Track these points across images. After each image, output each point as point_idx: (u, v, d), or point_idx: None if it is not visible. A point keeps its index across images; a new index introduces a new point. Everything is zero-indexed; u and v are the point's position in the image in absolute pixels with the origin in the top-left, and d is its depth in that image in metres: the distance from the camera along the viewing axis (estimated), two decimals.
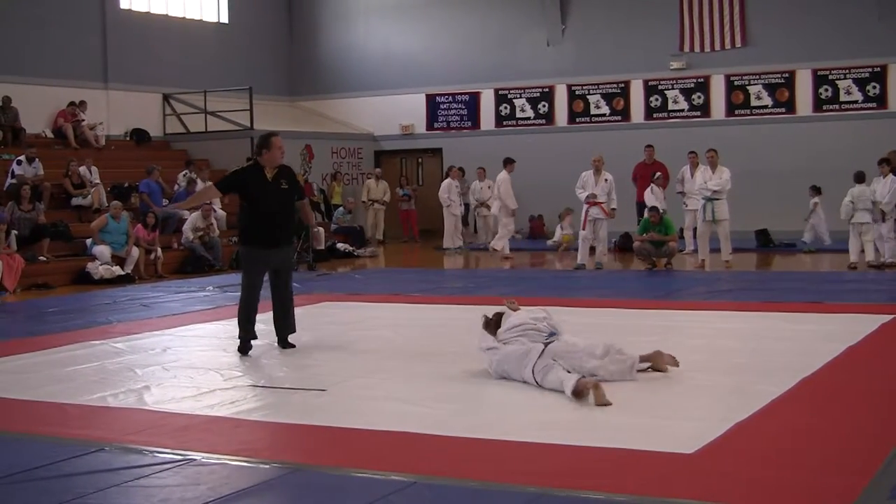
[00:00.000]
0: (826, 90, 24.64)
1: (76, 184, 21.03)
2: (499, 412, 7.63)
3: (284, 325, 10.42)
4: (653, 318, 12.04)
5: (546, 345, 8.16)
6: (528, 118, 27.71)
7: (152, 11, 26.75)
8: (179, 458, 6.43)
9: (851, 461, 5.97)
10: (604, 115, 26.88)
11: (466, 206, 25.65)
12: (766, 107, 25.24)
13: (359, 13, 29.69)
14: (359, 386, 8.50)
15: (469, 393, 8.14)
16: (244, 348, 10.13)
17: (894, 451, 6.09)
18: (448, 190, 24.51)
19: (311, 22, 30.32)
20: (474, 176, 25.53)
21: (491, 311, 8.82)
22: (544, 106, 27.49)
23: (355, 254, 23.27)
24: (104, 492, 5.79)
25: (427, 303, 14.26)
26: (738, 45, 25.27)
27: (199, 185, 21.49)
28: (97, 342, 11.17)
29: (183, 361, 9.85)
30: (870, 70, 24.23)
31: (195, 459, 6.41)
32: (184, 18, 27.57)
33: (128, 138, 25.63)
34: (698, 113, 25.88)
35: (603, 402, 7.40)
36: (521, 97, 27.76)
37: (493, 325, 8.63)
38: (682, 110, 26.05)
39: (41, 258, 18.26)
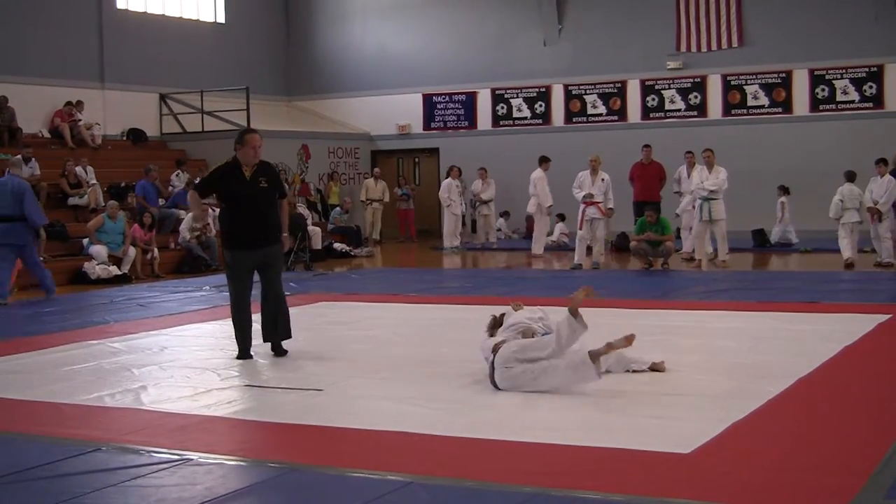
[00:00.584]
0: (823, 90, 24.67)
1: (73, 184, 21.02)
2: (495, 412, 7.62)
3: (275, 331, 9.99)
4: (649, 317, 12.04)
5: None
6: (525, 118, 27.73)
7: (149, 11, 26.74)
8: (176, 457, 6.42)
9: (848, 461, 5.97)
10: (600, 114, 26.90)
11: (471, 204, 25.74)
12: (762, 107, 25.27)
13: (355, 13, 29.70)
14: (355, 386, 8.50)
15: (465, 393, 8.13)
16: (245, 356, 9.83)
17: (891, 450, 6.10)
18: (448, 189, 24.52)
19: (308, 22, 30.32)
20: (472, 176, 25.54)
21: (498, 311, 8.81)
22: (541, 106, 27.51)
23: (352, 254, 23.27)
24: (101, 492, 5.79)
25: (424, 303, 14.26)
26: (735, 44, 25.30)
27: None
28: (94, 342, 11.17)
29: (180, 361, 9.85)
30: (866, 70, 24.27)
31: (192, 459, 6.40)
32: (180, 18, 27.57)
33: (124, 138, 25.62)
34: (695, 113, 25.91)
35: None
36: (517, 97, 27.78)
37: (496, 325, 8.61)
38: (679, 110, 26.07)
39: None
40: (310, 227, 21.75)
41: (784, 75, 25.01)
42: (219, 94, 26.20)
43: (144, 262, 19.31)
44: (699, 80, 25.80)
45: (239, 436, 7.15)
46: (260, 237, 9.78)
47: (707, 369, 8.70)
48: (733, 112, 25.56)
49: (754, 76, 25.23)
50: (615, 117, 26.71)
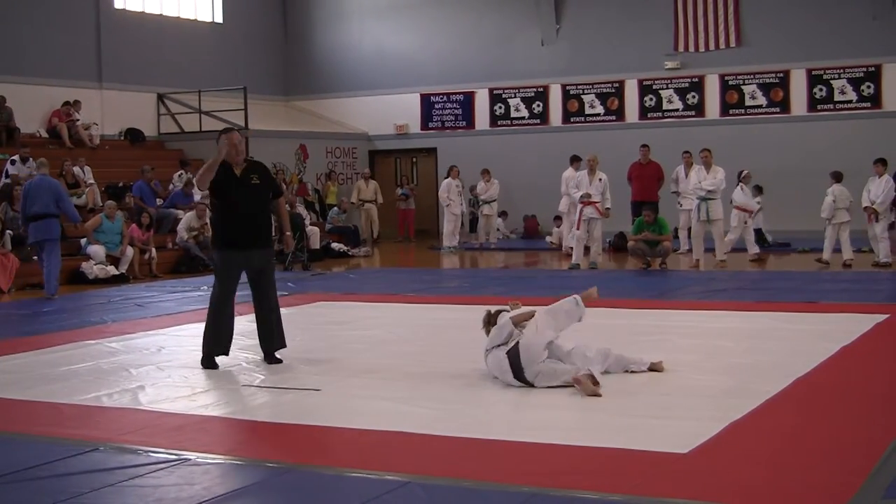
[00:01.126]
0: (820, 90, 24.68)
1: (70, 183, 20.98)
2: (493, 412, 7.63)
3: (271, 340, 9.69)
4: (647, 317, 12.05)
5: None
6: (523, 118, 27.73)
7: (147, 11, 26.73)
8: (174, 457, 6.42)
9: (846, 460, 5.98)
10: (598, 114, 26.91)
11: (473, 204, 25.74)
12: (760, 106, 25.28)
13: (353, 13, 29.70)
14: (353, 385, 8.50)
15: (463, 392, 8.14)
16: (210, 363, 9.43)
17: (889, 450, 6.10)
18: (448, 189, 24.53)
19: (306, 22, 30.32)
20: (470, 176, 25.53)
21: (494, 308, 8.80)
22: (539, 105, 27.51)
23: (350, 253, 23.26)
24: (99, 491, 5.79)
25: (421, 302, 14.26)
26: (733, 44, 25.31)
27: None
28: (92, 342, 11.16)
29: (177, 361, 9.85)
30: (864, 70, 24.28)
31: (190, 459, 6.40)
32: (178, 18, 27.56)
33: (122, 138, 25.61)
34: (693, 113, 25.92)
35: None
36: (515, 97, 27.78)
37: (490, 322, 8.59)
38: (677, 110, 26.08)
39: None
40: (308, 227, 21.76)
41: (782, 75, 25.02)
42: (216, 94, 26.19)
43: (142, 262, 19.30)
44: (697, 80, 25.82)
45: (236, 436, 7.15)
46: (250, 238, 9.48)
47: (705, 369, 8.70)
48: (731, 112, 25.57)
49: (752, 76, 25.24)
50: (613, 117, 26.72)
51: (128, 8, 26.18)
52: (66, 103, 23.72)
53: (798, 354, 9.25)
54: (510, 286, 16.06)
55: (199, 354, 9.71)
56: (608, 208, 18.84)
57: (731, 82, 25.53)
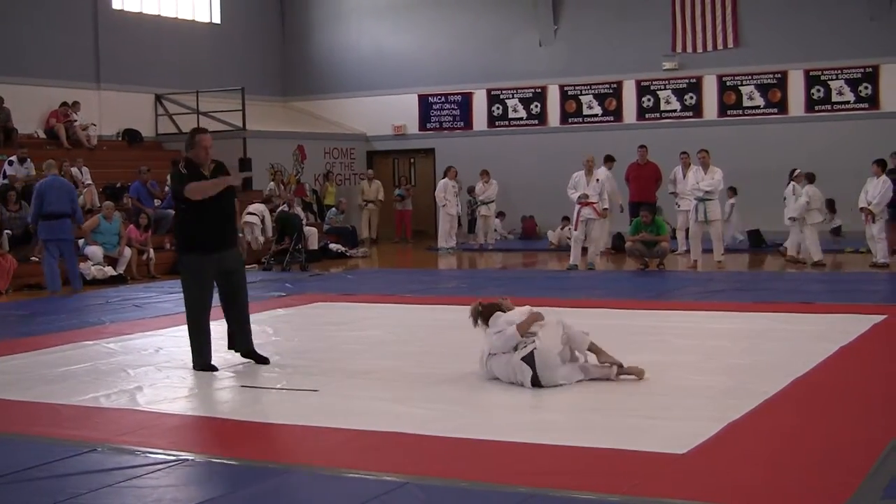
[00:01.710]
0: (818, 91, 24.68)
1: None
2: (490, 412, 7.64)
3: (247, 339, 9.65)
4: (645, 318, 12.06)
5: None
6: (521, 118, 27.73)
7: (145, 12, 26.71)
8: (172, 458, 6.42)
9: (844, 461, 5.99)
10: (596, 115, 26.90)
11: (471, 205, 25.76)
12: (758, 107, 25.28)
13: (351, 13, 29.69)
14: (350, 386, 8.50)
15: (461, 393, 8.14)
16: (208, 367, 9.37)
17: (887, 450, 6.11)
18: (444, 189, 24.53)
19: (304, 22, 30.31)
20: (468, 176, 25.53)
21: (484, 301, 8.75)
22: (537, 106, 27.50)
23: (347, 254, 23.25)
24: (97, 492, 5.79)
25: (419, 303, 14.26)
26: (731, 45, 25.30)
27: None
28: (89, 343, 11.16)
29: (175, 362, 9.83)
30: (862, 70, 24.28)
31: (188, 460, 6.40)
32: (176, 19, 27.54)
33: (120, 139, 25.59)
34: (690, 113, 25.91)
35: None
36: (513, 97, 27.77)
37: (482, 314, 8.55)
38: (675, 111, 26.07)
39: (33, 258, 18.22)
40: (306, 228, 21.76)
41: (779, 76, 25.02)
42: (214, 95, 26.17)
43: (140, 263, 19.28)
44: (695, 80, 25.81)
45: (234, 436, 7.15)
46: (223, 240, 9.46)
47: (703, 369, 8.70)
48: (729, 113, 25.56)
49: (750, 77, 25.24)
50: (611, 118, 26.71)
51: (125, 8, 26.16)
52: (64, 104, 23.70)
53: (796, 355, 9.26)
54: (508, 287, 16.03)
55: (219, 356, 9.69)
56: (606, 209, 18.84)
57: (728, 83, 25.52)
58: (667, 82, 26.06)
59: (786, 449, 6.30)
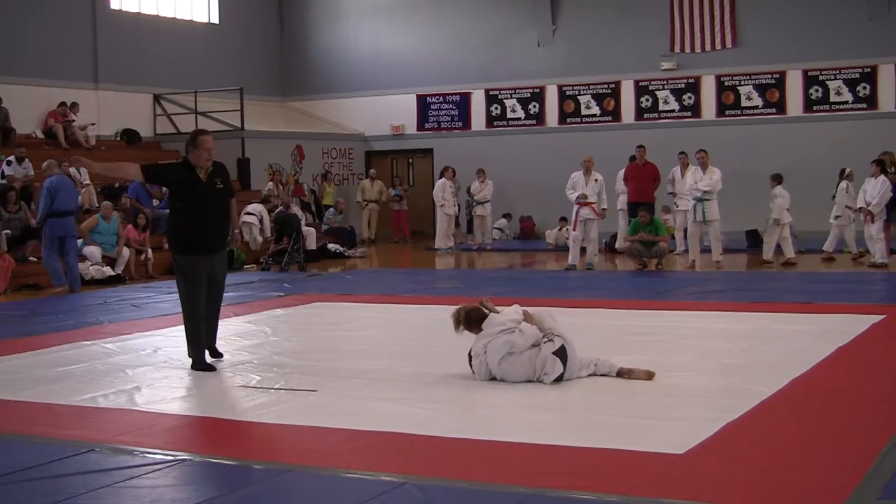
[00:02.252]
0: (816, 91, 24.69)
1: None
2: (489, 413, 7.64)
3: (213, 337, 9.77)
4: (643, 318, 12.06)
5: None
6: (519, 118, 27.73)
7: (143, 12, 26.70)
8: (170, 458, 6.42)
9: (842, 461, 5.99)
10: (594, 115, 26.90)
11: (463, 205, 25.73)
12: (756, 107, 25.29)
13: (349, 14, 29.69)
14: (349, 386, 8.50)
15: (459, 393, 8.14)
16: (203, 366, 9.46)
17: (885, 451, 6.11)
18: (442, 189, 24.52)
19: (302, 22, 30.31)
20: (466, 176, 25.53)
21: (465, 306, 8.69)
22: (535, 106, 27.51)
23: (346, 254, 23.25)
24: (95, 492, 5.78)
25: (417, 303, 14.26)
26: (729, 45, 25.31)
27: None
28: (88, 343, 11.15)
29: (173, 362, 9.83)
30: (860, 71, 24.29)
31: (186, 460, 6.40)
32: (174, 19, 27.53)
33: (118, 139, 25.58)
34: (689, 113, 25.92)
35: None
36: (511, 97, 27.78)
37: (468, 320, 8.52)
38: (673, 111, 26.08)
39: (31, 259, 18.22)
40: (304, 228, 21.76)
41: (778, 76, 25.03)
42: (213, 95, 26.17)
43: (138, 263, 19.28)
44: (693, 80, 25.82)
45: (232, 436, 7.15)
46: (216, 241, 9.57)
47: (701, 370, 8.70)
48: (727, 113, 25.57)
49: (748, 77, 25.25)
50: (609, 118, 26.71)
51: (124, 9, 26.15)
52: (63, 104, 23.69)
53: (794, 355, 9.26)
54: (507, 287, 16.06)
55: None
56: (604, 209, 18.85)
57: (727, 83, 25.53)
58: (665, 82, 26.07)
59: (784, 449, 6.30)
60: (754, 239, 22.23)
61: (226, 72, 27.68)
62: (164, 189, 22.68)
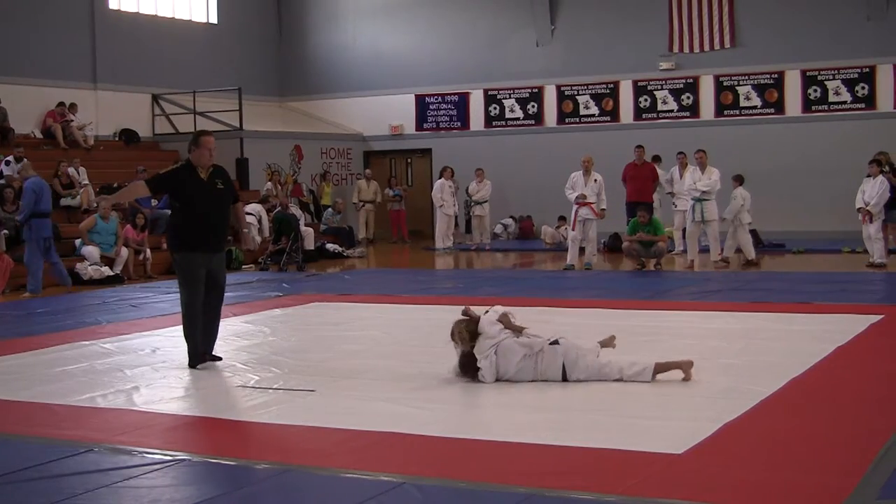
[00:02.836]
0: (815, 91, 24.69)
1: (65, 184, 20.98)
2: (488, 413, 7.64)
3: (211, 339, 9.79)
4: (642, 318, 12.05)
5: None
6: (518, 119, 27.72)
7: (141, 11, 26.70)
8: (169, 458, 6.42)
9: (841, 461, 5.99)
10: (593, 115, 26.89)
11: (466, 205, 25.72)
12: (755, 107, 25.28)
13: (348, 14, 29.68)
14: (347, 386, 8.50)
15: (458, 393, 8.15)
16: (198, 361, 9.56)
17: (884, 450, 6.11)
18: (441, 190, 24.52)
19: (301, 22, 30.30)
20: (465, 176, 25.53)
21: (459, 322, 8.59)
22: (533, 106, 27.50)
23: (344, 254, 23.25)
24: (94, 492, 5.78)
25: (416, 303, 14.26)
26: (728, 45, 25.31)
27: None
28: (86, 343, 11.15)
29: (172, 362, 9.83)
30: (858, 71, 24.29)
31: (184, 460, 6.40)
32: (173, 19, 27.53)
33: (117, 139, 25.58)
34: (687, 113, 25.91)
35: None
36: (510, 98, 27.77)
37: (470, 336, 8.47)
38: (672, 111, 26.07)
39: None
40: (302, 228, 21.75)
41: (776, 76, 25.03)
42: (211, 95, 26.17)
43: (137, 263, 19.28)
44: (691, 80, 25.81)
45: (231, 436, 7.15)
46: (216, 241, 9.66)
47: (699, 370, 8.68)
48: (726, 113, 25.57)
49: (747, 77, 25.25)
50: (607, 118, 26.70)
51: (122, 9, 26.14)
52: (61, 104, 23.69)
53: (793, 355, 9.26)
54: (505, 287, 16.06)
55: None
56: (603, 209, 18.84)
57: (725, 83, 25.52)
58: (664, 82, 26.06)
59: (782, 449, 6.30)
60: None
61: (224, 72, 27.68)
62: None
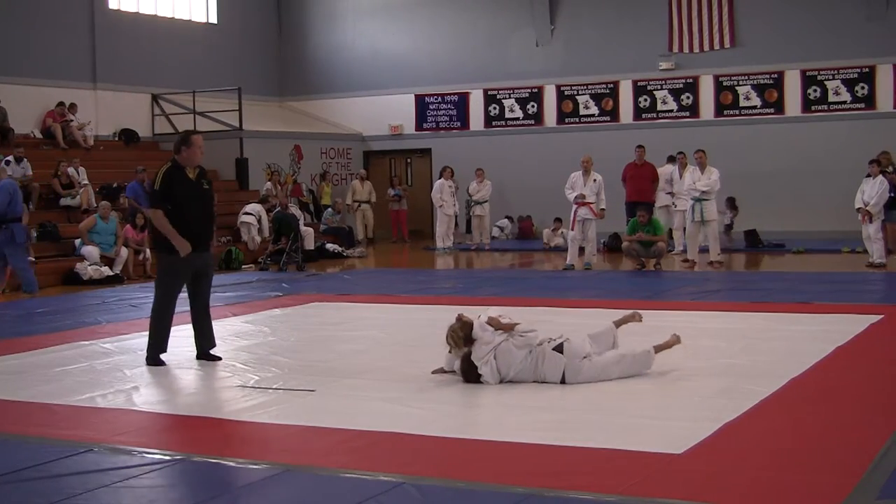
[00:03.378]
0: (814, 91, 24.69)
1: (65, 184, 20.98)
2: (487, 413, 7.64)
3: (208, 338, 9.90)
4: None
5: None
6: (518, 118, 27.72)
7: (141, 11, 26.69)
8: (168, 458, 6.42)
9: (840, 461, 5.99)
10: (593, 115, 26.89)
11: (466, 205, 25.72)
12: (754, 107, 25.28)
13: (348, 13, 29.67)
14: (347, 386, 8.50)
15: (457, 393, 8.14)
16: (157, 361, 9.65)
17: (883, 450, 6.11)
18: (440, 190, 24.51)
19: (300, 22, 30.30)
20: (465, 176, 25.52)
21: (455, 326, 8.54)
22: (533, 106, 27.50)
23: (344, 254, 23.25)
24: (93, 492, 5.78)
25: (416, 303, 14.25)
26: (727, 45, 25.31)
27: None
28: (86, 343, 11.15)
29: (171, 362, 9.82)
30: (858, 70, 24.29)
31: (184, 460, 6.40)
32: (173, 18, 27.52)
33: (116, 139, 25.57)
34: (687, 113, 25.91)
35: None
36: (510, 97, 27.77)
37: (465, 340, 8.46)
38: (671, 111, 26.07)
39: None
40: (302, 228, 21.75)
41: (776, 76, 25.03)
42: (211, 95, 26.17)
43: (136, 263, 19.28)
44: (691, 80, 25.81)
45: (231, 436, 7.15)
46: (203, 240, 9.73)
47: (699, 370, 8.70)
48: (725, 113, 25.56)
49: (746, 77, 25.25)
50: (607, 118, 26.71)
51: (122, 8, 26.13)
52: (61, 104, 23.68)
53: (792, 355, 9.26)
54: (505, 287, 16.07)
55: (193, 355, 9.93)
56: (603, 209, 18.84)
57: (725, 83, 25.52)
58: (663, 82, 26.06)
59: (782, 449, 6.30)
60: (753, 239, 22.25)
61: (224, 72, 27.67)
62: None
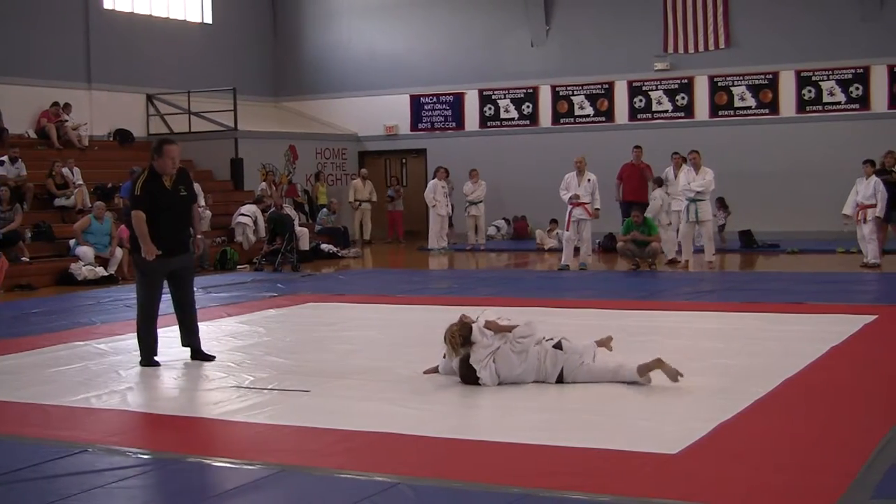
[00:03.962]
0: (809, 91, 24.72)
1: (59, 184, 20.95)
2: (482, 413, 7.64)
3: (194, 337, 9.94)
4: (636, 318, 12.05)
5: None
6: (513, 119, 27.74)
7: (136, 11, 26.67)
8: (163, 459, 6.41)
9: (835, 461, 5.99)
10: (588, 115, 26.92)
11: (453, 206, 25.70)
12: (749, 108, 25.32)
13: (343, 13, 29.68)
14: (342, 386, 8.49)
15: (453, 393, 8.14)
16: (152, 363, 9.68)
17: (877, 450, 6.12)
18: (434, 190, 24.51)
19: (296, 22, 30.30)
20: (460, 177, 25.53)
21: (453, 327, 8.48)
22: (528, 107, 27.52)
23: (339, 254, 23.24)
24: (88, 493, 5.77)
25: (411, 303, 14.25)
26: (722, 46, 25.35)
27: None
28: (80, 343, 11.14)
29: (166, 363, 9.81)
30: (853, 71, 24.33)
31: (178, 461, 6.39)
32: (167, 19, 27.51)
33: (111, 139, 25.55)
34: (682, 114, 25.94)
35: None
36: (505, 98, 27.79)
37: (463, 343, 8.44)
38: (666, 111, 26.10)
39: (23, 259, 18.19)
40: (297, 228, 21.74)
41: (771, 76, 25.06)
42: (206, 95, 26.16)
43: (131, 264, 19.22)
44: (686, 81, 25.84)
45: (226, 437, 7.14)
46: (178, 244, 9.79)
47: (694, 370, 8.68)
48: (720, 113, 25.60)
49: (741, 77, 25.28)
50: (602, 118, 26.73)
51: (117, 8, 26.12)
52: (55, 104, 23.66)
53: (787, 355, 9.27)
54: (500, 287, 16.07)
55: (188, 355, 9.93)
56: (597, 209, 18.85)
57: (720, 83, 25.56)
58: (658, 83, 26.09)
59: (777, 449, 6.30)
60: (748, 239, 22.28)
61: (219, 72, 27.67)
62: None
